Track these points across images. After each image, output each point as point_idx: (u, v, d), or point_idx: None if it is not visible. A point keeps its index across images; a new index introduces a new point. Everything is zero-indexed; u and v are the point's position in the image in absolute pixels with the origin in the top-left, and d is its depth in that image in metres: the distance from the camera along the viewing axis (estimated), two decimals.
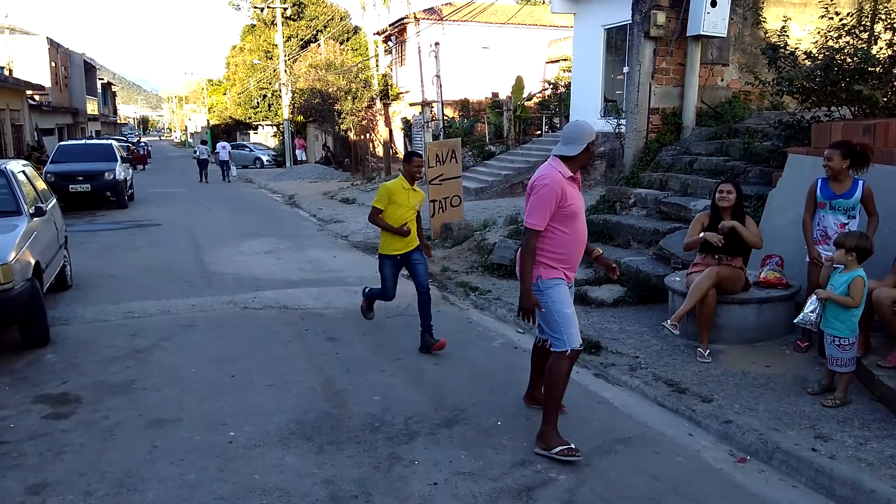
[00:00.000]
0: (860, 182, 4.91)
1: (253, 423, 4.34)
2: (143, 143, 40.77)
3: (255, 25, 43.46)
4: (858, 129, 6.01)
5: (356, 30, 40.04)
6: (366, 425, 4.30)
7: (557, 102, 19.51)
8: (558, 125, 19.03)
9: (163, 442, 4.09)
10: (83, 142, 20.59)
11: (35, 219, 6.63)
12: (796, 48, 7.47)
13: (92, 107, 42.21)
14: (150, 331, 6.39)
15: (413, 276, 5.87)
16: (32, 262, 5.97)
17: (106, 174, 16.42)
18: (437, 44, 21.70)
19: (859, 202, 4.91)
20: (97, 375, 5.22)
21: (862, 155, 4.90)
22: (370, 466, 3.77)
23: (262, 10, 38.56)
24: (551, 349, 3.98)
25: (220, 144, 28.29)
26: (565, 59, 21.52)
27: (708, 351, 5.22)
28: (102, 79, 51.31)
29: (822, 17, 7.19)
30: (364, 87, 27.55)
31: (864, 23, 6.96)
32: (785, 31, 7.61)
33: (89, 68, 41.75)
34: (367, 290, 6.27)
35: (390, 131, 26.76)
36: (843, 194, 4.93)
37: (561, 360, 3.89)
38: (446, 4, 27.24)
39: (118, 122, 65.40)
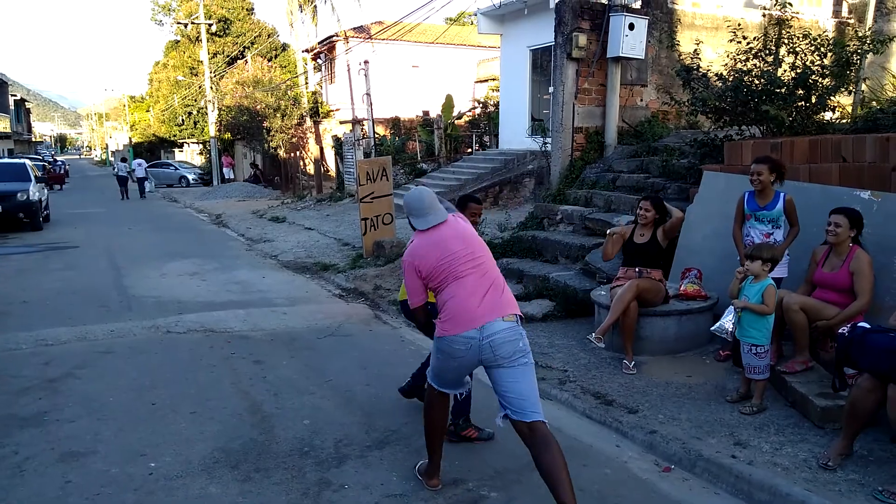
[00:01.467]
0: (782, 194, 5.18)
1: (174, 452, 4.17)
2: (60, 162, 39.00)
3: (178, 41, 42.41)
4: (767, 147, 6.34)
5: (284, 47, 39.60)
6: (294, 450, 4.19)
7: (487, 121, 19.81)
8: (488, 143, 19.31)
9: (77, 476, 3.87)
10: None
11: None
12: (708, 70, 7.84)
13: (4, 124, 40.16)
14: (64, 359, 6.06)
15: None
16: None
17: (18, 195, 15.58)
18: (366, 62, 21.71)
19: (782, 213, 5.18)
20: (6, 408, 4.91)
21: (780, 167, 5.20)
22: (298, 493, 3.68)
23: (185, 25, 37.65)
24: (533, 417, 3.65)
25: (135, 162, 29.32)
26: (494, 79, 21.92)
27: (633, 363, 5.36)
28: (15, 95, 48.96)
29: (731, 40, 7.59)
30: (293, 105, 27.23)
31: (769, 47, 7.38)
32: (697, 54, 7.98)
33: (0, 84, 39.72)
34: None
35: (321, 149, 26.49)
36: (766, 206, 5.20)
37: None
38: (376, 23, 27.33)
39: (33, 140, 62.39)
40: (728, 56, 7.59)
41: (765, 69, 7.08)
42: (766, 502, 3.55)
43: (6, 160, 20.30)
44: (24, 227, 15.92)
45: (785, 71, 7.10)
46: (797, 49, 7.09)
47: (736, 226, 5.43)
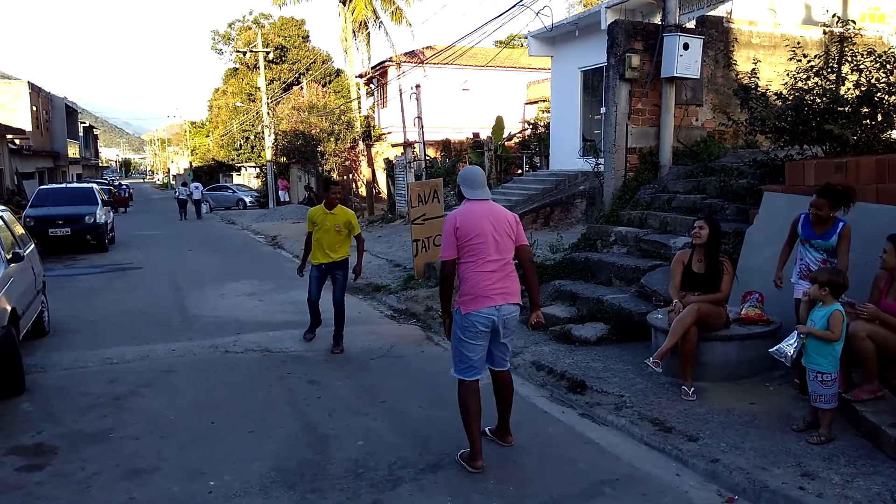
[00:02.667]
0: (840, 224, 4.95)
1: (233, 471, 4.25)
2: (124, 186, 40.63)
3: (237, 69, 43.89)
4: (830, 167, 6.15)
5: (338, 72, 40.58)
6: (349, 472, 4.22)
7: (537, 142, 19.78)
8: (538, 164, 19.27)
9: (140, 493, 3.98)
10: (63, 185, 20.48)
11: (12, 265, 6.54)
12: (767, 89, 7.67)
13: (73, 150, 42.10)
14: (128, 377, 6.27)
15: (333, 287, 7.14)
16: (8, 308, 5.86)
17: (86, 218, 16.29)
18: (418, 86, 22.00)
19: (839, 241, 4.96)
20: (73, 424, 5.10)
21: (846, 195, 4.95)
22: None
23: (244, 54, 38.98)
24: (504, 368, 4.56)
25: (193, 185, 30.89)
26: (544, 100, 21.92)
27: (692, 389, 5.22)
28: (84, 122, 51.29)
29: (791, 59, 7.42)
30: (347, 129, 27.80)
31: (831, 64, 7.18)
32: (755, 73, 7.83)
33: (71, 112, 41.77)
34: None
35: (373, 172, 26.91)
36: (822, 235, 4.99)
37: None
38: (427, 48, 27.75)
39: (100, 164, 65.24)
40: (787, 74, 7.41)
41: (827, 87, 6.89)
42: None
43: (75, 184, 21.27)
44: (91, 248, 16.59)
45: (848, 89, 6.89)
46: (861, 66, 6.88)
47: (785, 245, 5.27)
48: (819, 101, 6.80)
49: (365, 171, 27.66)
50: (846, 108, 6.63)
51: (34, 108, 33.06)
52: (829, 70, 7.14)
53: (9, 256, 6.57)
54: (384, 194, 24.90)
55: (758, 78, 7.82)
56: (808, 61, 7.21)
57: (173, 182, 64.20)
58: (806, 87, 7.05)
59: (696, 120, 10.59)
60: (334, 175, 27.70)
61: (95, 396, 5.74)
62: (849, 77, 7.05)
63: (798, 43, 7.73)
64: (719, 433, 4.55)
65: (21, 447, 4.69)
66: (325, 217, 6.98)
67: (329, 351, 7.04)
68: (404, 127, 22.47)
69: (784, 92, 7.30)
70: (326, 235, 6.97)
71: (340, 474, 4.19)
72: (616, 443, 4.65)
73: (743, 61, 10.20)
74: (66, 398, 5.70)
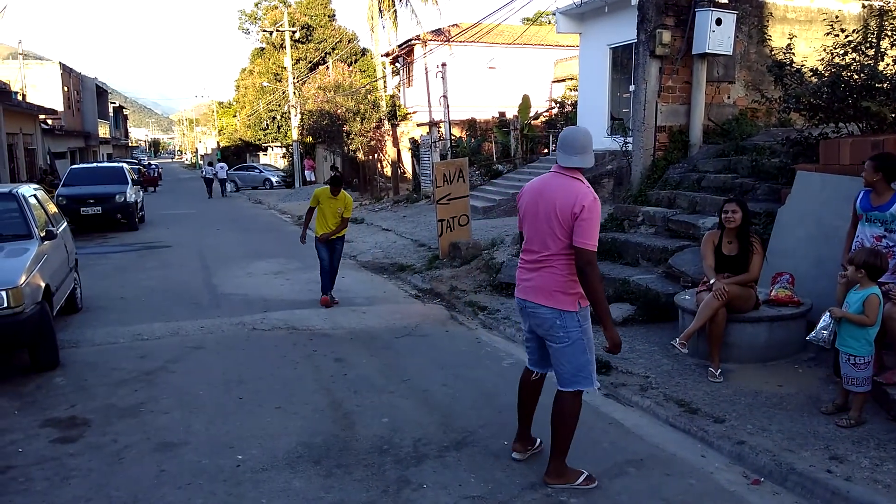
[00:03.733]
0: None
1: (260, 446, 4.32)
2: (153, 166, 41.17)
3: (264, 49, 44.01)
4: (867, 146, 5.98)
5: (364, 52, 40.44)
6: (374, 448, 4.26)
7: (564, 121, 19.57)
8: None
9: (170, 465, 4.07)
10: (94, 165, 20.81)
11: (46, 242, 6.68)
12: (802, 65, 7.46)
13: (104, 130, 42.73)
14: (158, 353, 6.39)
15: (329, 257, 8.28)
16: (42, 285, 6.00)
17: (117, 197, 16.57)
18: (443, 64, 21.84)
19: None
20: (106, 398, 5.22)
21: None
22: (378, 490, 3.74)
23: (270, 33, 39.05)
24: (562, 387, 3.69)
25: (218, 165, 32.14)
26: (571, 78, 21.64)
27: (719, 370, 5.16)
28: (114, 102, 52.00)
29: (828, 34, 7.19)
30: (372, 108, 27.74)
31: (870, 39, 6.94)
32: (790, 49, 7.61)
33: (101, 92, 42.34)
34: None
35: (398, 151, 26.88)
36: (879, 207, 4.79)
37: (577, 400, 3.70)
38: (453, 26, 27.49)
39: (129, 144, 66.14)
40: (824, 50, 7.19)
41: (865, 63, 6.68)
42: None
43: (105, 164, 21.59)
44: (121, 227, 16.89)
45: (888, 65, 6.67)
46: None
47: (850, 227, 5.06)
48: (856, 77, 6.59)
49: (390, 151, 27.65)
50: (885, 85, 6.42)
51: (66, 89, 33.56)
52: (868, 45, 6.91)
53: (42, 234, 6.71)
54: (409, 174, 24.88)
55: (793, 54, 7.61)
56: (846, 36, 6.98)
57: (201, 162, 64.93)
58: (843, 62, 6.83)
59: (728, 98, 10.35)
60: (360, 155, 27.75)
61: (127, 371, 5.86)
62: (888, 52, 6.82)
63: (836, 17, 7.49)
64: (746, 415, 4.49)
65: (55, 420, 4.81)
66: (329, 200, 8.19)
67: (353, 329, 7.09)
68: (430, 106, 22.37)
69: (820, 68, 7.09)
70: (330, 211, 8.19)
71: (366, 450, 4.23)
72: (641, 423, 4.62)
73: (778, 37, 9.92)
74: (99, 373, 5.83)
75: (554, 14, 15.50)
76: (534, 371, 3.99)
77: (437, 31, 27.40)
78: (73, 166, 20.45)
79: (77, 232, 11.90)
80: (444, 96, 21.34)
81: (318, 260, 8.32)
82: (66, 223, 8.64)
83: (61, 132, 30.84)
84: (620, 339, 3.62)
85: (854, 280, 4.29)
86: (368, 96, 28.42)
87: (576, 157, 3.59)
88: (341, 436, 4.46)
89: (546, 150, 19.84)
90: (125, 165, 19.71)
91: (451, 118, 21.85)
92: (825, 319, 4.31)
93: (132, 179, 18.13)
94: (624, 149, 10.87)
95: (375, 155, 27.55)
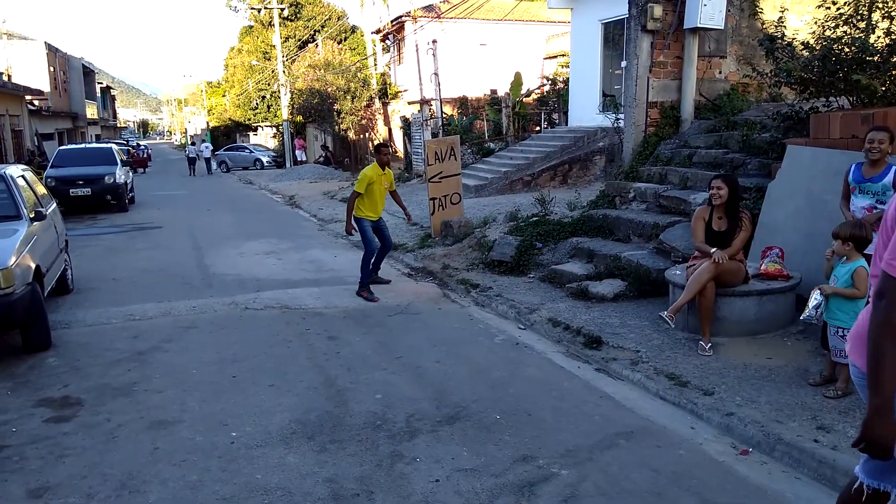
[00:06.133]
0: (893, 167, 4.83)
1: (254, 423, 4.34)
2: (142, 147, 40.83)
3: (252, 27, 43.45)
4: (857, 119, 5.99)
5: (354, 29, 39.99)
6: (367, 424, 4.29)
7: (556, 98, 19.49)
8: (557, 121, 19.01)
9: (164, 443, 4.09)
10: (83, 146, 20.63)
11: (35, 223, 6.63)
12: (794, 39, 7.44)
13: (91, 111, 42.21)
14: (151, 333, 6.39)
15: (381, 237, 7.83)
16: (33, 266, 5.97)
17: (106, 178, 16.44)
18: (434, 41, 21.67)
19: (890, 187, 4.80)
20: (99, 378, 5.22)
21: None
22: (372, 464, 3.77)
23: (259, 11, 38.55)
24: None
25: (202, 145, 34.93)
26: (563, 55, 21.49)
27: (709, 344, 5.21)
28: (101, 83, 51.26)
29: (819, 6, 7.16)
30: (363, 87, 27.53)
31: (861, 12, 6.92)
32: (782, 22, 7.58)
33: (88, 72, 41.76)
34: (360, 280, 7.56)
35: (389, 130, 26.74)
36: (872, 178, 4.86)
37: None
38: (443, 2, 27.21)
39: (118, 125, 65.45)
40: (815, 23, 7.17)
41: (856, 36, 6.66)
42: None
43: (94, 145, 21.41)
44: (111, 208, 16.78)
45: (879, 38, 6.65)
46: (893, 14, 6.63)
47: (842, 200, 5.12)
48: (847, 50, 6.58)
49: (381, 130, 27.52)
50: (875, 58, 6.41)
51: (52, 69, 33.09)
52: (859, 18, 6.88)
53: (31, 215, 6.66)
54: (400, 153, 24.77)
55: (784, 27, 7.57)
56: (838, 9, 6.95)
57: (191, 142, 64.54)
58: (834, 36, 6.82)
59: (720, 72, 10.32)
60: (350, 134, 27.59)
61: (119, 351, 5.86)
62: (879, 25, 6.80)
63: None
64: (735, 387, 4.55)
65: (49, 399, 4.82)
66: (381, 176, 7.77)
67: (346, 308, 7.11)
68: (421, 84, 22.22)
69: (811, 41, 7.07)
70: (380, 190, 7.74)
71: (359, 426, 4.26)
72: (631, 397, 4.67)
73: (769, 10, 9.86)
74: (91, 353, 5.83)
75: None
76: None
77: (429, 8, 27.11)
78: (62, 147, 20.26)
79: (66, 213, 11.83)
80: (436, 74, 21.20)
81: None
82: (55, 204, 8.58)
83: (48, 113, 30.46)
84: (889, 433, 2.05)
85: (841, 253, 4.32)
86: (359, 74, 28.20)
87: None
88: (335, 412, 4.49)
89: (538, 128, 19.77)
90: (114, 146, 19.53)
91: (442, 96, 21.72)
92: (816, 298, 4.33)
93: (121, 160, 17.97)
94: (615, 125, 10.85)
95: (366, 134, 27.42)
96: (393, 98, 28.07)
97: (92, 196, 16.23)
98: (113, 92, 62.30)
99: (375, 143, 26.79)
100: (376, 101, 27.98)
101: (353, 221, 7.67)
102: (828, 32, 6.91)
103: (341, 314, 6.93)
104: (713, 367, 4.91)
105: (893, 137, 4.80)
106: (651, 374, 4.91)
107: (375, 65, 30.22)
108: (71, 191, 15.91)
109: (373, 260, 7.72)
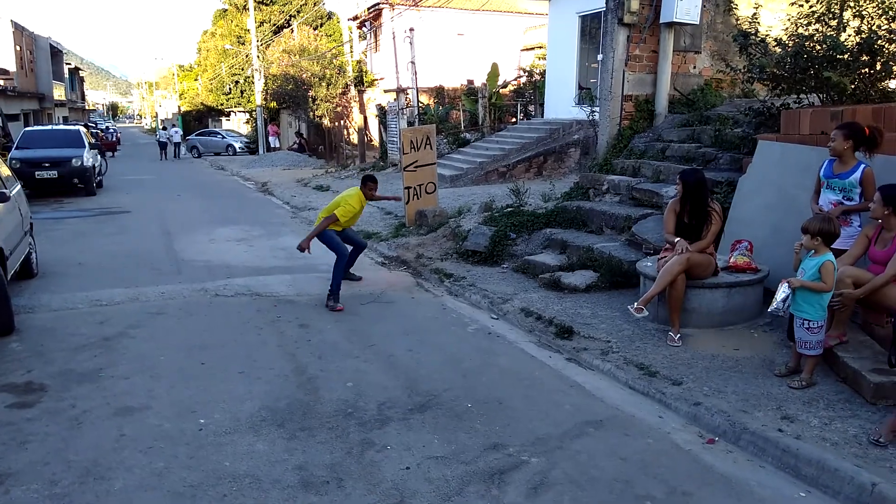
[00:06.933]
0: (862, 165, 4.93)
1: (223, 410, 4.29)
2: (112, 130, 40.01)
3: (226, 10, 42.68)
4: (826, 116, 6.09)
5: (330, 15, 39.55)
6: (338, 411, 4.27)
7: (532, 90, 19.52)
8: (533, 113, 19.05)
9: (131, 430, 4.03)
10: (50, 128, 20.13)
11: None
12: (767, 35, 7.53)
13: (59, 92, 41.20)
14: (118, 318, 6.28)
15: (352, 241, 7.46)
16: None
17: (73, 160, 16.06)
18: (411, 29, 21.53)
19: (857, 184, 4.91)
20: (64, 364, 5.12)
21: (869, 137, 4.91)
22: (342, 452, 3.76)
23: None
24: None
25: (172, 129, 34.91)
26: (540, 47, 21.52)
27: (678, 335, 5.28)
28: (70, 64, 50.06)
29: (793, 4, 7.26)
30: (338, 74, 27.26)
31: (833, 10, 7.03)
32: (756, 19, 7.66)
33: (56, 53, 40.71)
34: (331, 287, 6.74)
35: (365, 118, 26.54)
36: (840, 174, 4.98)
37: None
38: None
39: (87, 108, 63.99)
40: (789, 20, 7.27)
41: (828, 34, 6.76)
42: (814, 477, 3.47)
43: (61, 127, 20.88)
44: (78, 192, 16.41)
45: (849, 36, 6.76)
46: (863, 13, 6.74)
47: (813, 194, 5.22)
48: (818, 47, 6.68)
49: (357, 118, 27.30)
50: (845, 56, 6.52)
51: (18, 48, 32.19)
52: (831, 16, 7.00)
53: None
54: (376, 142, 24.63)
55: (758, 24, 7.66)
56: (810, 7, 7.05)
57: (161, 127, 63.46)
58: (806, 33, 6.92)
59: (694, 67, 10.42)
60: (325, 122, 27.33)
61: (85, 337, 5.75)
62: (850, 24, 6.92)
63: None
64: (703, 377, 4.61)
65: (11, 385, 4.71)
66: (362, 205, 7.21)
67: (318, 296, 7.05)
68: (397, 72, 22.07)
69: (784, 38, 7.17)
70: (356, 215, 7.19)
71: (329, 413, 4.24)
72: (601, 386, 4.71)
73: (744, 6, 9.98)
74: (56, 338, 5.71)
75: None
76: None
77: None
78: (28, 128, 19.73)
79: (32, 196, 11.55)
80: (412, 62, 21.08)
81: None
82: (19, 186, 8.36)
83: (14, 93, 29.65)
84: None
85: (810, 247, 4.39)
86: (334, 61, 27.92)
87: None
88: (305, 400, 4.46)
89: (514, 119, 19.79)
90: (82, 128, 19.08)
91: (419, 85, 21.62)
92: (784, 290, 4.38)
93: (90, 143, 17.57)
94: (591, 118, 10.90)
95: (342, 121, 27.18)
96: (369, 86, 27.85)
97: (58, 179, 15.84)
98: (82, 73, 60.83)
99: (351, 130, 26.62)
100: (352, 88, 27.74)
101: (310, 241, 6.85)
102: (800, 30, 7.02)
103: (313, 302, 6.88)
104: (682, 358, 4.98)
105: (850, 136, 4.89)
106: (621, 363, 4.96)
107: (352, 52, 29.93)
108: (37, 173, 15.52)
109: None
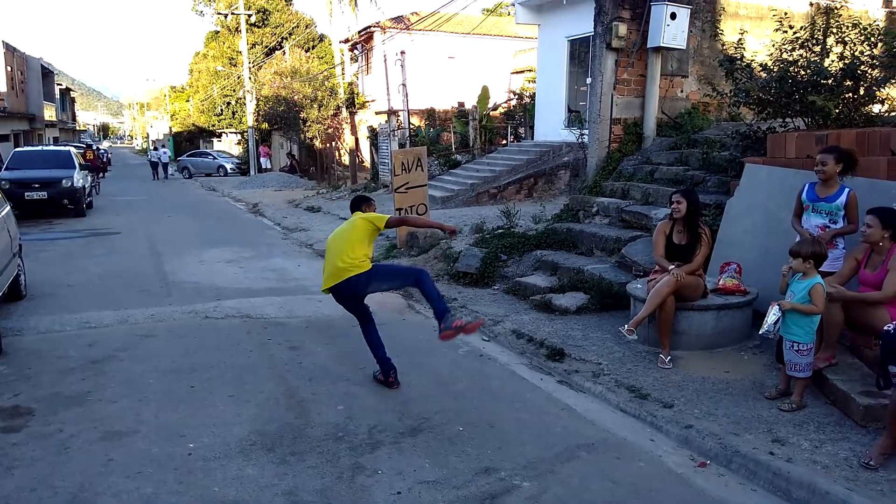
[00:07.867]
0: (846, 189, 5.01)
1: (212, 434, 4.25)
2: (102, 150, 39.92)
3: (218, 32, 42.95)
4: (811, 139, 6.18)
5: (322, 38, 39.87)
6: (329, 435, 4.24)
7: (522, 112, 19.69)
8: (523, 135, 19.19)
9: (119, 455, 3.98)
10: (40, 148, 20.10)
11: None
12: (752, 60, 7.66)
13: (50, 113, 41.14)
14: (107, 341, 6.23)
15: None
16: None
17: (63, 181, 16.01)
18: (403, 52, 21.73)
19: (842, 208, 4.99)
20: (51, 387, 5.06)
21: (851, 159, 5.02)
22: (333, 476, 3.73)
23: (225, 16, 38.10)
24: None
25: (161, 150, 36.18)
26: (530, 70, 21.74)
27: (669, 357, 5.29)
28: (61, 84, 50.05)
29: (777, 30, 7.40)
30: (330, 95, 27.39)
31: (816, 36, 7.17)
32: (741, 44, 7.80)
33: (47, 73, 40.73)
34: (438, 305, 5.02)
35: (356, 140, 26.63)
36: (826, 198, 5.05)
37: None
38: (413, 13, 27.30)
39: (77, 128, 63.90)
40: (773, 46, 7.40)
41: (812, 59, 6.89)
42: (805, 500, 3.48)
43: (52, 147, 20.87)
44: (68, 213, 16.34)
45: (833, 61, 6.90)
46: (846, 39, 6.88)
47: (794, 217, 5.29)
48: (803, 73, 6.80)
49: (348, 140, 27.37)
50: (829, 81, 6.64)
51: (9, 69, 32.18)
52: (815, 42, 7.13)
53: None
54: (367, 163, 24.71)
55: (744, 49, 7.79)
56: (794, 33, 7.19)
57: (153, 147, 63.49)
58: (791, 58, 7.04)
59: (681, 91, 10.56)
60: (317, 143, 27.42)
61: (73, 360, 5.69)
62: (833, 49, 7.06)
63: (785, 14, 7.69)
64: (694, 400, 4.62)
65: None
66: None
67: (309, 318, 7.03)
68: (388, 94, 22.22)
69: (769, 63, 7.30)
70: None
71: (320, 437, 4.21)
72: (593, 409, 4.71)
73: (730, 32, 10.14)
74: (44, 361, 5.65)
75: (513, 4, 15.54)
76: None
77: (398, 19, 27.17)
78: (17, 149, 19.69)
79: (21, 217, 11.50)
80: (404, 84, 21.25)
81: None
82: (8, 207, 8.32)
83: (4, 114, 29.60)
84: None
85: (800, 270, 4.43)
86: (326, 83, 28.06)
87: None
88: (295, 423, 4.43)
89: (504, 142, 19.92)
90: (72, 149, 19.07)
91: (410, 107, 21.76)
92: (775, 313, 4.40)
93: (80, 164, 17.54)
94: (580, 141, 11.00)
95: (333, 143, 27.26)
96: (360, 108, 27.99)
97: (48, 200, 15.79)
98: (73, 94, 60.85)
99: (343, 152, 26.72)
100: (343, 110, 27.86)
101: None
102: (785, 55, 7.15)
103: (304, 324, 6.86)
104: (672, 380, 4.99)
105: (840, 160, 4.99)
106: (612, 386, 4.96)
107: (343, 74, 30.11)
108: (26, 194, 15.46)
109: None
